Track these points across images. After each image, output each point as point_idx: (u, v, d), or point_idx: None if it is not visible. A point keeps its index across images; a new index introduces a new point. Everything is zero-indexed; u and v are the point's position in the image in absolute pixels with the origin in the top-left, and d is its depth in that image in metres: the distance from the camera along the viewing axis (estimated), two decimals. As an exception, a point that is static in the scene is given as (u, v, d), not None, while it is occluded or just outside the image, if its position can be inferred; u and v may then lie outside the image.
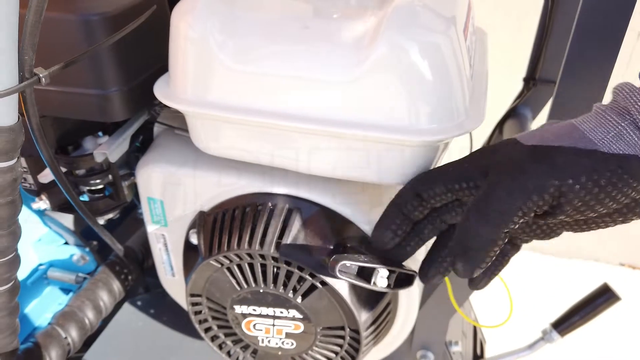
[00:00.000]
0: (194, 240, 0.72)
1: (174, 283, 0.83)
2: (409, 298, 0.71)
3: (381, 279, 0.56)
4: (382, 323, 0.70)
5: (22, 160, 0.74)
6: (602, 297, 0.94)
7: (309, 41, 0.56)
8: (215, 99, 0.60)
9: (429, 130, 0.55)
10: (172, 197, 0.73)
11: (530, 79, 0.92)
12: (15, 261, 0.55)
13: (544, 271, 1.97)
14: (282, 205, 0.66)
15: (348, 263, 0.54)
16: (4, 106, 0.44)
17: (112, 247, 0.83)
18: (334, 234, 0.65)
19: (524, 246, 0.59)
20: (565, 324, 0.97)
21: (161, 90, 0.64)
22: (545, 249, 2.03)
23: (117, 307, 0.99)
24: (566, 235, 0.54)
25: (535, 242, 0.56)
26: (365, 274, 0.56)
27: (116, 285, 0.90)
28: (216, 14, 0.59)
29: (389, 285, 0.57)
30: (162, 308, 1.00)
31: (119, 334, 0.96)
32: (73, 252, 1.01)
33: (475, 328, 1.12)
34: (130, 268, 0.93)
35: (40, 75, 0.45)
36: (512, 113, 0.96)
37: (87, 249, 1.01)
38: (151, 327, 0.98)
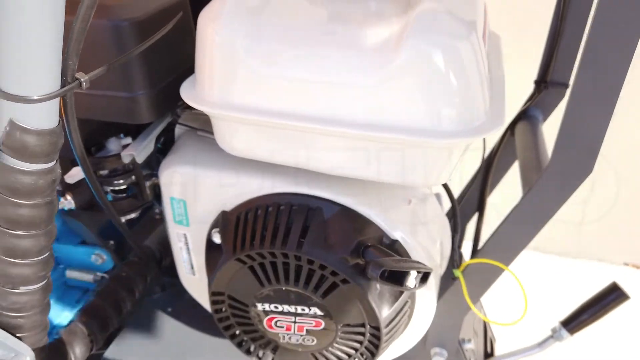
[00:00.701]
0: (216, 239, 0.73)
1: (194, 281, 0.85)
2: (427, 296, 0.73)
3: (411, 280, 0.58)
4: (401, 320, 0.71)
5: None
6: (612, 296, 0.96)
7: (334, 46, 0.58)
8: (242, 101, 0.61)
9: (450, 133, 0.57)
10: (195, 197, 0.75)
11: (542, 82, 0.94)
12: (50, 260, 0.57)
13: (548, 271, 1.99)
14: (304, 205, 0.68)
15: (387, 268, 0.56)
16: (47, 110, 0.45)
17: (133, 246, 0.85)
18: (354, 233, 0.66)
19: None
20: (574, 322, 0.98)
21: (187, 93, 0.65)
22: (548, 248, 2.04)
23: (136, 305, 1.01)
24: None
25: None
26: (397, 276, 0.58)
27: (135, 284, 0.92)
28: (242, 19, 0.60)
29: (415, 285, 0.59)
30: (179, 306, 1.01)
31: (138, 332, 0.97)
32: (91, 251, 1.02)
33: (485, 326, 1.14)
34: (149, 267, 0.94)
35: (82, 79, 0.46)
36: (523, 115, 0.98)
37: (105, 249, 1.02)
38: (168, 325, 0.99)
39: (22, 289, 0.55)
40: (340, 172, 0.64)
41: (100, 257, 1.03)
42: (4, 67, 0.42)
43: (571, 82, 0.94)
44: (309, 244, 0.65)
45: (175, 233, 0.80)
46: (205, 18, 0.62)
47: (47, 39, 0.41)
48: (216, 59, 0.61)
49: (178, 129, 0.81)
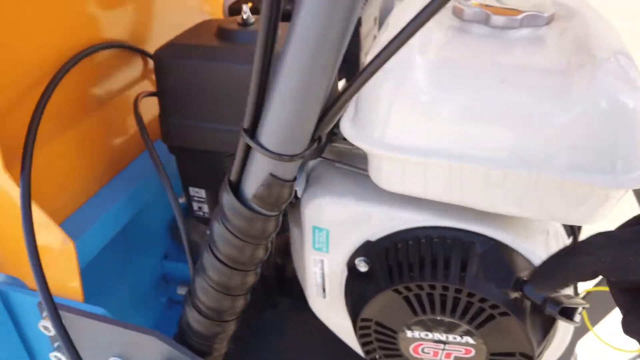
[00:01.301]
0: (362, 268, 0.77)
1: (324, 304, 0.88)
2: (566, 326, 0.76)
3: (577, 315, 0.62)
4: (545, 349, 0.75)
5: (203, 191, 0.79)
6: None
7: (510, 92, 0.61)
8: (412, 143, 0.64)
9: (619, 181, 0.60)
10: (339, 227, 0.78)
11: None
12: (248, 295, 0.61)
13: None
14: (458, 239, 0.71)
15: (565, 305, 0.60)
16: (295, 164, 0.49)
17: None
18: (511, 267, 0.70)
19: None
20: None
21: (349, 131, 0.68)
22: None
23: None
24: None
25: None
26: (567, 311, 0.61)
27: (255, 303, 0.95)
28: (412, 60, 0.63)
29: (579, 320, 0.63)
30: (289, 324, 1.05)
31: (251, 350, 1.01)
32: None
33: (570, 345, 1.17)
34: (266, 287, 0.98)
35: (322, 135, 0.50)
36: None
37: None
38: (279, 343, 1.03)
39: (225, 320, 0.59)
40: (503, 210, 0.67)
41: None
42: (273, 131, 0.46)
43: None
44: (470, 277, 0.68)
45: (312, 259, 0.83)
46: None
47: (318, 105, 0.45)
48: (385, 101, 0.64)
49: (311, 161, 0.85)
